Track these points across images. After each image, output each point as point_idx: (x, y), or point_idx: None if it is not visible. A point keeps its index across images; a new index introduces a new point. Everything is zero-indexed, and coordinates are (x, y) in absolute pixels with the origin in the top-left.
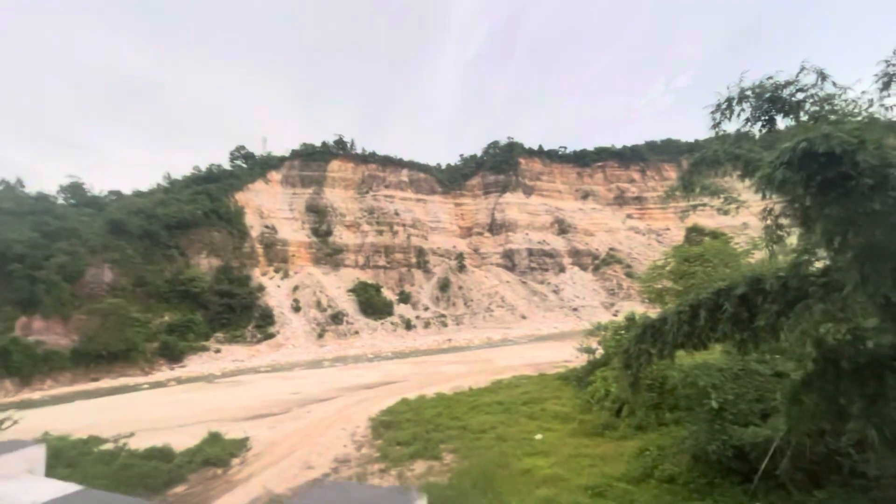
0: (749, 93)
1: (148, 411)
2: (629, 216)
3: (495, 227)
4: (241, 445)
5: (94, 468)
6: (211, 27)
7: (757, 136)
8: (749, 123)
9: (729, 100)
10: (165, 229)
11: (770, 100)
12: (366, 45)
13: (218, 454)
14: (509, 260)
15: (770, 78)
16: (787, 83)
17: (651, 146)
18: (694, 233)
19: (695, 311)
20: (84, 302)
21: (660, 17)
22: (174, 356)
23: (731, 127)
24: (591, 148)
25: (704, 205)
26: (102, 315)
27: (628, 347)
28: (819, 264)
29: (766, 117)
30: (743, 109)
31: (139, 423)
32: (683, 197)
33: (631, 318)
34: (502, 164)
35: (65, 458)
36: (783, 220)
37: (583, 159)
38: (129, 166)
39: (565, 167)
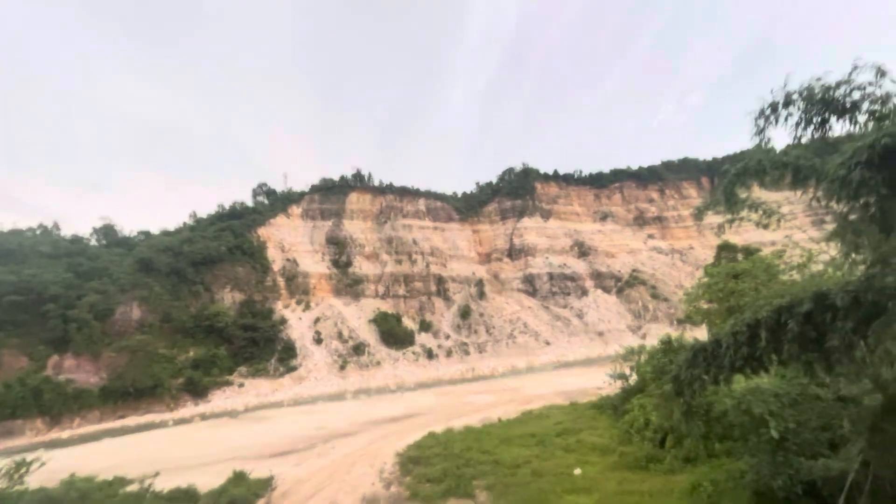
0: (796, 96)
1: (173, 449)
2: (650, 236)
3: (514, 252)
4: (265, 485)
5: None
6: (231, 69)
7: (803, 143)
8: (800, 128)
9: (773, 104)
10: (191, 266)
11: (822, 101)
12: (380, 79)
13: (243, 494)
14: (530, 285)
15: (819, 79)
16: (840, 83)
17: (668, 165)
18: (725, 250)
19: (753, 332)
20: (113, 339)
21: (666, 38)
22: (199, 392)
23: (774, 134)
24: (606, 170)
25: (742, 219)
26: (131, 352)
27: (679, 373)
28: None
29: (820, 120)
30: (790, 114)
31: (164, 461)
32: (716, 212)
33: (667, 342)
34: (518, 189)
35: (91, 500)
36: (862, 227)
37: (599, 181)
38: (158, 206)
39: (582, 190)
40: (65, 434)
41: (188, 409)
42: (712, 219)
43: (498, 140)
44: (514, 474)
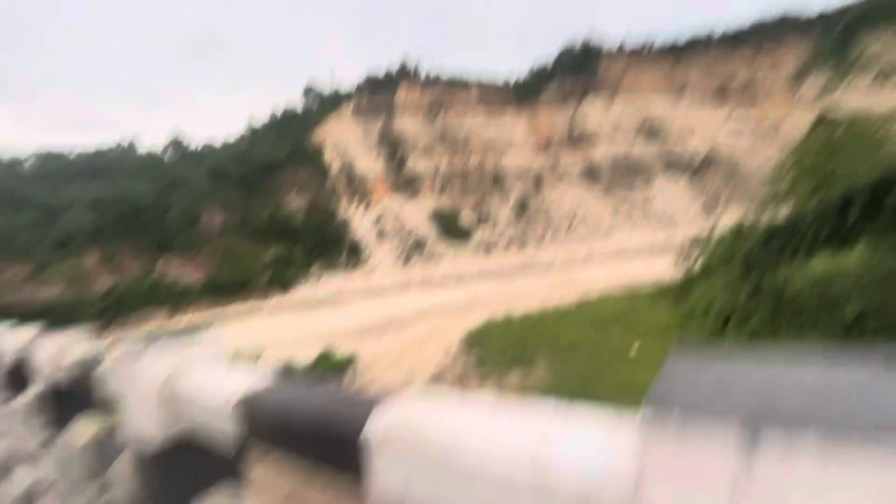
0: None
1: (272, 331)
2: (733, 110)
3: (574, 139)
4: (350, 360)
5: None
6: None
7: None
8: None
9: None
10: (257, 172)
11: None
12: None
13: (332, 367)
14: (591, 173)
15: None
16: None
17: (760, 26)
18: (822, 124)
19: (844, 206)
20: (203, 243)
21: None
22: (283, 284)
23: None
24: (685, 36)
25: (850, 82)
26: (221, 253)
27: (750, 252)
28: None
29: None
30: None
31: (267, 340)
32: (819, 75)
33: (739, 226)
34: (578, 69)
35: None
36: None
37: (675, 51)
38: (210, 116)
39: (654, 62)
40: (183, 321)
41: (277, 299)
42: (810, 92)
43: (558, 9)
44: (572, 352)
